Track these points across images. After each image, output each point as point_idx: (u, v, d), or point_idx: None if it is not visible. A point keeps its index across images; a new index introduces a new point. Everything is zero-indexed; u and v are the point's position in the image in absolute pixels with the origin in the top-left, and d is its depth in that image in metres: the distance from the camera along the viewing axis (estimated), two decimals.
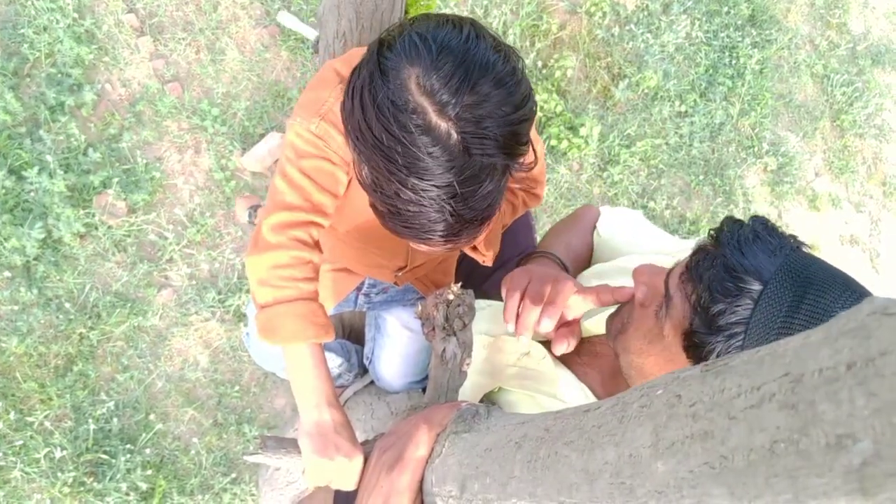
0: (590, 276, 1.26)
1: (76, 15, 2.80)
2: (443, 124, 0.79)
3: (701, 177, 3.59)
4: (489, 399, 1.13)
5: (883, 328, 0.31)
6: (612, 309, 1.06)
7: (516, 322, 1.05)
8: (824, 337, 0.34)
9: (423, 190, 0.82)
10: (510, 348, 1.16)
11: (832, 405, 0.31)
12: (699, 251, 0.88)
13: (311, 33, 2.40)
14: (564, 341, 1.07)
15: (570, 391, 1.06)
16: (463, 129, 0.79)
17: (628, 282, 1.04)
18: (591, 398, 1.07)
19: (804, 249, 0.87)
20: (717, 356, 0.82)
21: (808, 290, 0.79)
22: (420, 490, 0.82)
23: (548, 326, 1.04)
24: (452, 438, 0.79)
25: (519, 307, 1.06)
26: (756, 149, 3.79)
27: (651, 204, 3.42)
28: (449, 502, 0.74)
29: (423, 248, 0.95)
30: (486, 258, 1.22)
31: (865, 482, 0.29)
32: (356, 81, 0.86)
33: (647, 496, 0.44)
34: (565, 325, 1.09)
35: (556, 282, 1.07)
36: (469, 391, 1.16)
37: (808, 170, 3.96)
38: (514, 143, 0.83)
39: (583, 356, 1.15)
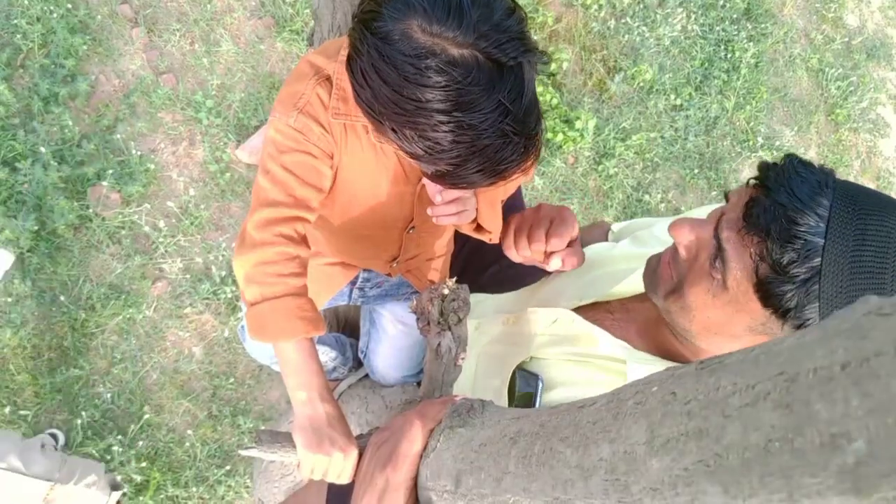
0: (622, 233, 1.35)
1: (70, 5, 2.78)
2: (465, 52, 0.82)
3: (696, 170, 3.59)
4: (524, 369, 1.13)
5: (877, 329, 0.31)
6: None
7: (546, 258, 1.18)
8: (819, 337, 0.34)
9: (479, 123, 0.84)
10: (538, 319, 1.17)
11: (827, 405, 0.31)
12: (752, 202, 0.88)
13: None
14: (573, 258, 1.19)
15: (611, 346, 1.07)
16: (483, 48, 0.82)
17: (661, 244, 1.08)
18: (632, 350, 1.08)
19: (838, 177, 0.88)
20: (797, 304, 0.85)
21: (869, 221, 0.81)
22: (415, 485, 0.82)
23: (557, 245, 1.17)
24: (447, 433, 0.80)
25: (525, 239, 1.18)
26: (751, 143, 3.80)
27: (646, 197, 3.42)
28: (444, 497, 0.74)
29: (501, 184, 0.96)
30: (491, 236, 1.22)
31: (859, 482, 0.29)
32: (361, 66, 0.86)
33: (642, 493, 0.44)
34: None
35: (560, 212, 1.18)
36: (495, 363, 1.18)
37: None
38: (525, 39, 0.86)
39: (616, 314, 1.16)
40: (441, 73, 0.81)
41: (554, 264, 1.18)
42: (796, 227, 0.83)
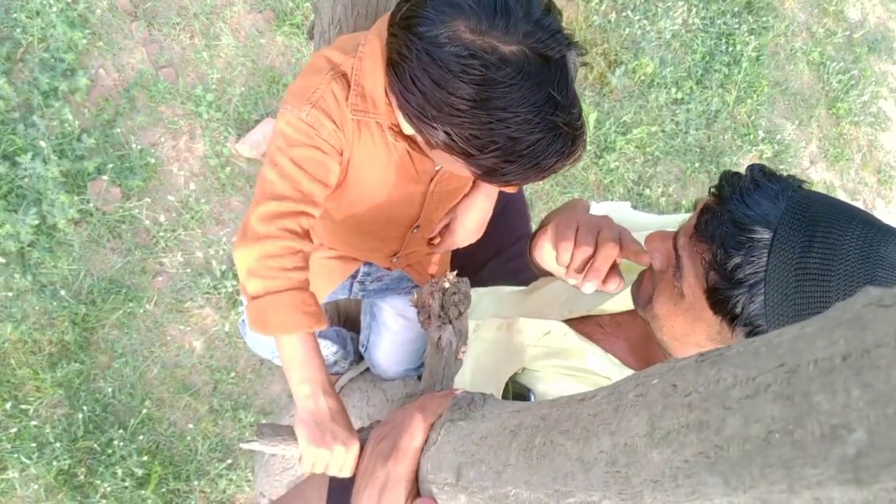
0: None
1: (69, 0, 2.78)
2: (514, 48, 0.84)
3: (696, 164, 3.59)
4: (516, 381, 1.14)
5: (878, 320, 0.31)
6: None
7: (584, 273, 1.00)
8: (820, 328, 0.34)
9: (533, 117, 0.85)
10: (530, 329, 1.17)
11: (827, 396, 0.31)
12: (705, 210, 0.90)
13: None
14: (616, 279, 1.01)
15: (599, 361, 1.07)
16: (530, 45, 0.84)
17: None
18: (621, 366, 1.08)
19: (805, 187, 0.89)
20: (743, 309, 0.85)
21: (817, 228, 0.81)
22: (416, 478, 0.82)
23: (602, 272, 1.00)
24: (448, 426, 0.80)
25: (574, 257, 1.01)
26: (752, 136, 3.79)
27: (647, 191, 3.42)
28: (445, 489, 0.74)
29: (543, 176, 0.95)
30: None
31: (860, 472, 0.29)
32: (410, 71, 0.87)
33: (643, 485, 0.44)
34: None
35: (606, 227, 1.03)
36: (489, 372, 1.17)
37: (804, 157, 3.97)
38: (565, 33, 0.89)
39: (606, 328, 1.16)
40: (494, 70, 0.83)
41: (587, 288, 1.01)
42: (743, 233, 0.84)
